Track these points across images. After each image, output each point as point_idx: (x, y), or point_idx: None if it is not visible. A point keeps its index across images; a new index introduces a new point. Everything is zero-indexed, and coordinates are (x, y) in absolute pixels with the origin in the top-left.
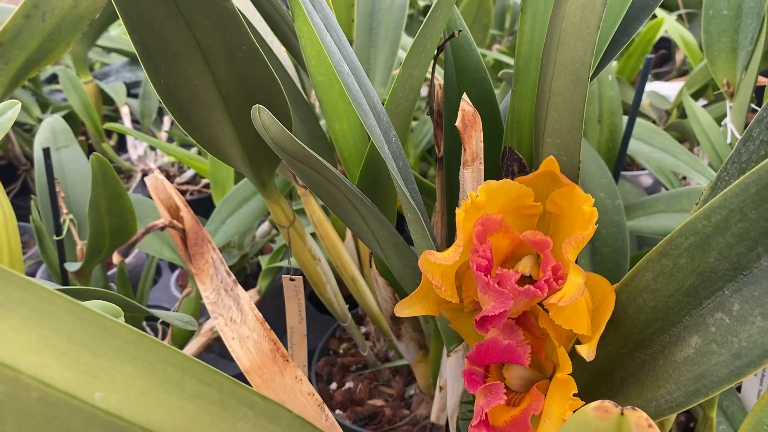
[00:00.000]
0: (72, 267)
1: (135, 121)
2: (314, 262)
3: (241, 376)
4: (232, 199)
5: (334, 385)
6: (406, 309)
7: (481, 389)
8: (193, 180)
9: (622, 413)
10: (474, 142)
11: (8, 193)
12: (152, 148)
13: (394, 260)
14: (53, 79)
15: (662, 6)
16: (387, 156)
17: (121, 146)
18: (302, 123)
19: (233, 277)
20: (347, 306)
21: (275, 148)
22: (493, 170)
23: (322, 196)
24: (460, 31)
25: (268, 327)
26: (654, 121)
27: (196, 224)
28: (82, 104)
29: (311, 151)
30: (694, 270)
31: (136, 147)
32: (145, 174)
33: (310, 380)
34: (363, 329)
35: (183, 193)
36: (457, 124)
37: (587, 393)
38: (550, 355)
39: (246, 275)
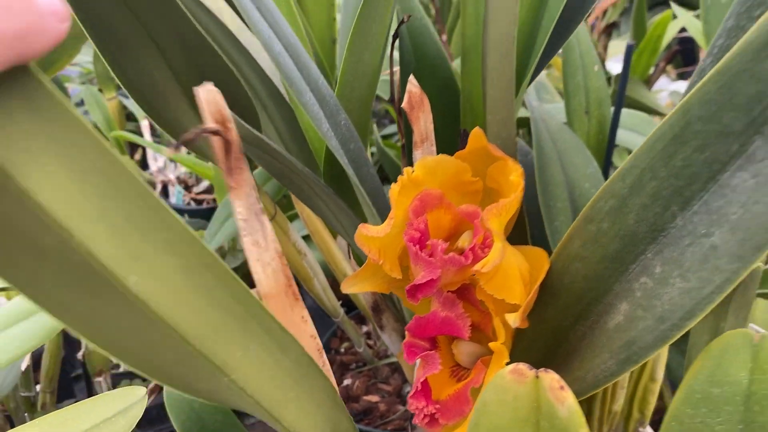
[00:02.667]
0: None
1: (156, 136)
2: (299, 256)
3: None
4: (229, 202)
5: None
6: (353, 285)
7: (420, 360)
8: (210, 190)
9: (537, 376)
10: (422, 123)
11: None
12: (171, 160)
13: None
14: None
15: (683, 4)
16: (327, 133)
17: (144, 160)
18: (285, 122)
19: (260, 205)
20: (346, 308)
21: None
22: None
23: (285, 183)
24: (410, 16)
25: (285, 262)
26: None
27: (240, 141)
28: (104, 120)
29: (257, 133)
30: (616, 234)
31: (156, 159)
32: (165, 185)
33: None
34: (365, 328)
35: (200, 202)
36: (403, 105)
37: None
38: None
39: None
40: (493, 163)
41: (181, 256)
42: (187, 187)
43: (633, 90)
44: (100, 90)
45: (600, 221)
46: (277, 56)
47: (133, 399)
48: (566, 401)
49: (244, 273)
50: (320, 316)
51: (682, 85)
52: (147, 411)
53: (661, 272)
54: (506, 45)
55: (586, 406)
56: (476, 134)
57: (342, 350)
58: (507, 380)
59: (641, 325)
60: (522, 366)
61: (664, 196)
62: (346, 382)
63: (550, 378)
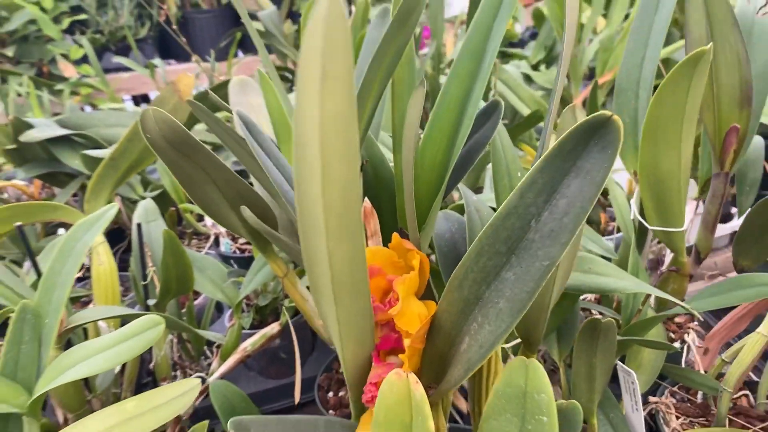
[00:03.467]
0: (150, 302)
1: None
2: (304, 302)
3: (274, 389)
4: (261, 257)
5: (330, 393)
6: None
7: (382, 364)
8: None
9: (407, 377)
10: (372, 226)
11: (117, 250)
12: None
13: None
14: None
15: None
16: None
17: (201, 215)
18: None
19: None
20: None
21: (259, 230)
22: None
23: (291, 256)
24: (367, 161)
25: None
26: None
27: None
28: (172, 186)
29: (273, 231)
30: (461, 299)
31: None
32: (217, 236)
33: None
34: None
35: (243, 251)
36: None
37: (437, 375)
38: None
39: (278, 314)
40: (408, 252)
41: None
42: (234, 239)
43: None
44: None
45: (453, 291)
46: (281, 184)
47: (190, 386)
48: (419, 390)
49: (272, 309)
50: (323, 345)
51: None
52: (196, 411)
53: (480, 321)
54: (409, 192)
55: (476, 400)
56: (395, 237)
57: (341, 371)
58: (393, 378)
59: (473, 350)
60: (401, 371)
61: (478, 281)
62: (341, 393)
63: (413, 378)
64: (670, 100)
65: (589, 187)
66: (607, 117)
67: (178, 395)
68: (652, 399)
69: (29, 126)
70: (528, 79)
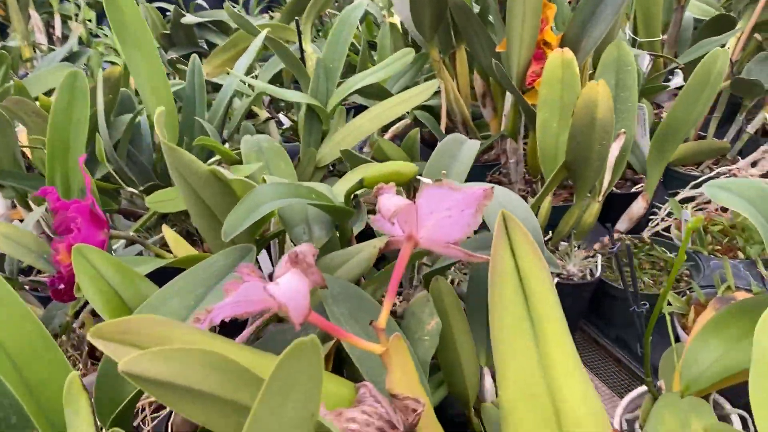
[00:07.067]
0: None
1: None
2: (448, 79)
3: None
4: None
5: None
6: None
7: (537, 62)
8: None
9: (562, 51)
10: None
11: None
12: None
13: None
14: None
15: None
16: None
17: None
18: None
19: None
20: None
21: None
22: None
23: (463, 24)
24: None
25: None
26: None
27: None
28: None
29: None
30: (577, 26)
31: None
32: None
33: None
34: None
35: None
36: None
37: None
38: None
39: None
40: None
41: None
42: None
43: None
44: None
45: (573, 22)
46: None
47: (429, 86)
48: (568, 54)
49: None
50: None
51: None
52: None
53: (589, 31)
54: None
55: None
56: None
57: None
58: (555, 52)
59: (589, 43)
60: (562, 48)
61: (585, 14)
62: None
63: (565, 49)
64: None
65: None
66: None
67: (421, 91)
68: None
69: (182, 16)
70: None
